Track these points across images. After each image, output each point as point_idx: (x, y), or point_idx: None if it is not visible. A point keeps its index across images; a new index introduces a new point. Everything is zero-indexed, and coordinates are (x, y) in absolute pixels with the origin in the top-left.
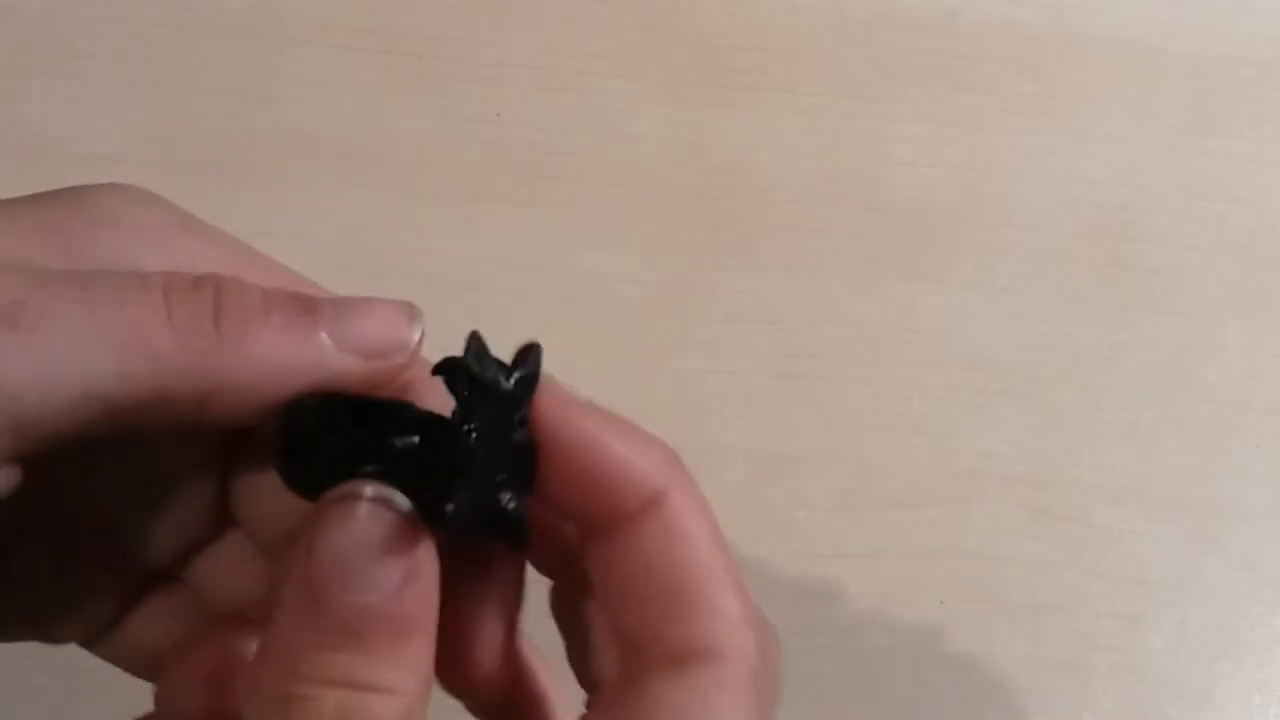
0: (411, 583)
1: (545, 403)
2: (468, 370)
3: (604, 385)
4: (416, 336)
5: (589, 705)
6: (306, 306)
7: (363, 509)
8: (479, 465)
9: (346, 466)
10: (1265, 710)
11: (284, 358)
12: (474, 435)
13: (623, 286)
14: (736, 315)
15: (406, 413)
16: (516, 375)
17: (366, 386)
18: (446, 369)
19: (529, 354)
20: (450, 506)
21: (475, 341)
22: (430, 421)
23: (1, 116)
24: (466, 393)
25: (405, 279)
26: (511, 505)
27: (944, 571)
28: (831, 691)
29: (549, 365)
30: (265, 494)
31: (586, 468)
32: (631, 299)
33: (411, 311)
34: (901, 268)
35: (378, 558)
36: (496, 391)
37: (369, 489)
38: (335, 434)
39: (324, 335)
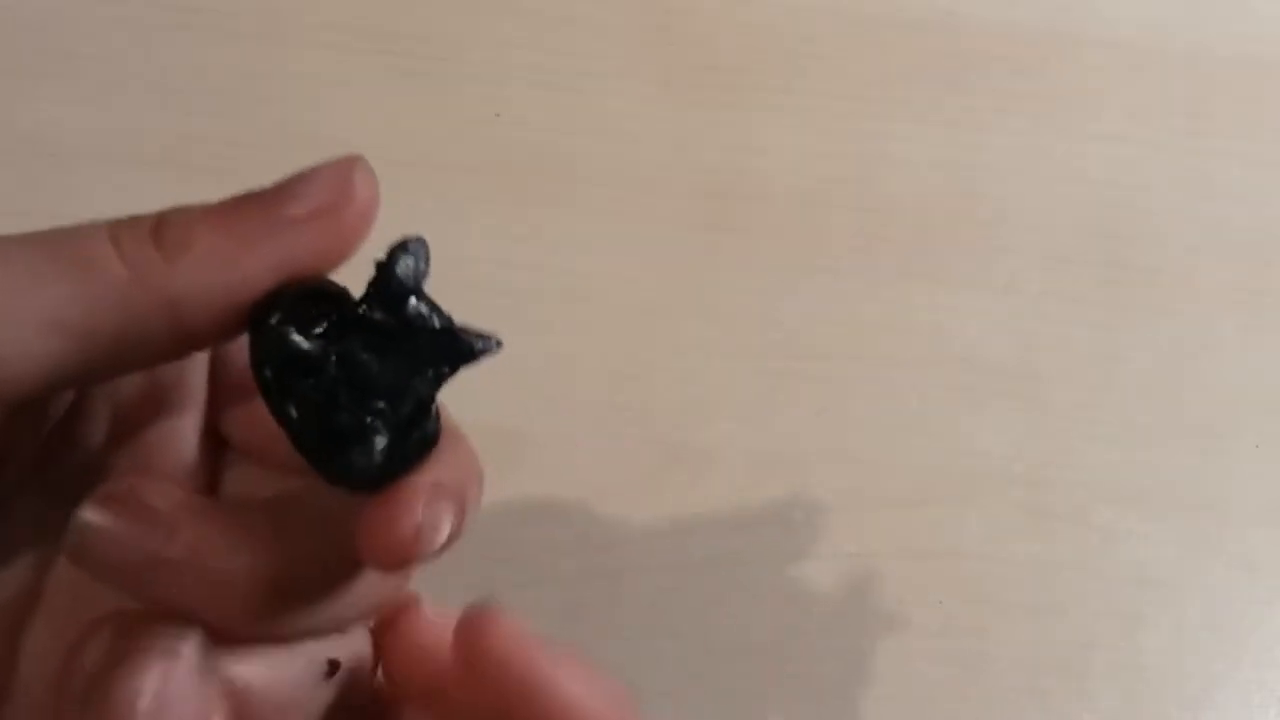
0: None
1: (501, 641)
2: (381, 260)
3: (602, 385)
4: (361, 182)
5: None
6: (245, 197)
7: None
8: (348, 354)
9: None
10: (1264, 710)
11: (232, 248)
12: (362, 314)
13: (621, 286)
14: (734, 315)
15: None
16: (447, 323)
17: (328, 253)
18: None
19: (482, 339)
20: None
21: (414, 243)
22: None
23: (1, 116)
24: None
25: None
26: (364, 428)
27: (942, 571)
28: (829, 691)
29: (550, 365)
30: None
31: (541, 706)
32: (629, 299)
33: (354, 162)
34: (900, 267)
35: None
36: (393, 278)
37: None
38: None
39: (268, 216)
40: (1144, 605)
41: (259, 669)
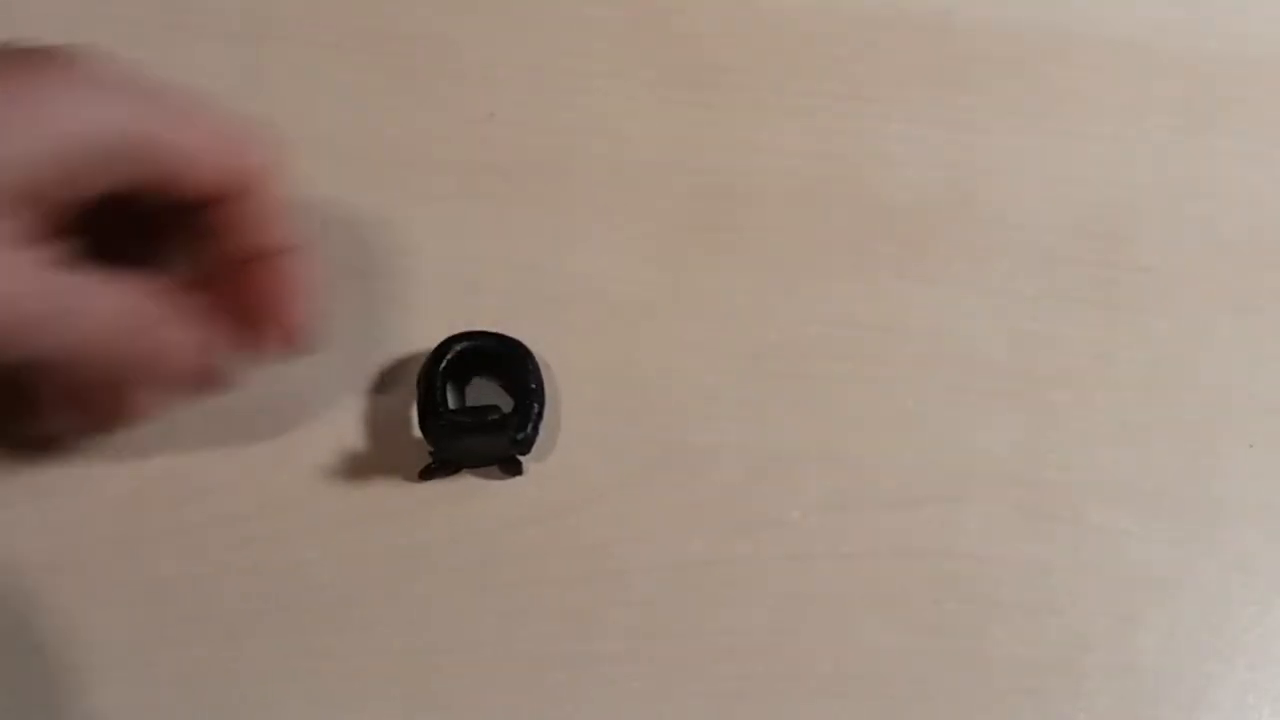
0: None
1: None
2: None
3: (597, 385)
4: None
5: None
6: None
7: None
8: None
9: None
10: (1258, 710)
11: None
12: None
13: (615, 286)
14: (729, 315)
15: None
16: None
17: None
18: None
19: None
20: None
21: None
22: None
23: None
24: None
25: (400, 280)
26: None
27: (939, 571)
28: (825, 692)
29: (546, 364)
30: None
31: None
32: (624, 299)
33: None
34: (895, 268)
35: None
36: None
37: None
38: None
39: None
40: (1139, 605)
41: None
